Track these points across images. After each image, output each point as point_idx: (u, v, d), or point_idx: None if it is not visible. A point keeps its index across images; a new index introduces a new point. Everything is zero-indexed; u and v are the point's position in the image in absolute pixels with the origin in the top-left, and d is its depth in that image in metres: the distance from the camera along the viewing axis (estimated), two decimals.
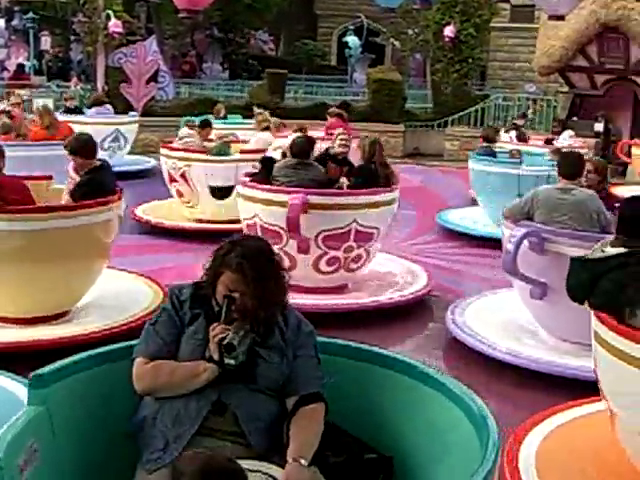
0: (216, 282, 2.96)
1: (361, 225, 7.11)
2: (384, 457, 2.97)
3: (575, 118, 20.64)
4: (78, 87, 22.19)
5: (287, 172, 7.38)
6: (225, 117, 16.41)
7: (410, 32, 28.16)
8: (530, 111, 21.73)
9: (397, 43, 31.02)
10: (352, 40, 31.79)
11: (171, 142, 11.29)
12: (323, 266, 7.23)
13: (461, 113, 22.78)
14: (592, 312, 3.84)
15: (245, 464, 2.55)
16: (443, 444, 2.77)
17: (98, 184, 6.32)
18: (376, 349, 3.16)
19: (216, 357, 2.85)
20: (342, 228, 7.05)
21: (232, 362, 2.82)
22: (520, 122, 18.14)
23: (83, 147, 6.53)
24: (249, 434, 2.83)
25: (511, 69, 28.98)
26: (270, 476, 2.66)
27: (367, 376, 3.07)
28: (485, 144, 12.14)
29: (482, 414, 2.58)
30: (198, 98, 22.77)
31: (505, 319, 6.58)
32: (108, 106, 16.50)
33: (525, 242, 5.94)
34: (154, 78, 19.94)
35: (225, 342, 2.81)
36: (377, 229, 7.32)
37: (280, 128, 12.27)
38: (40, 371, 2.80)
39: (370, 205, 7.19)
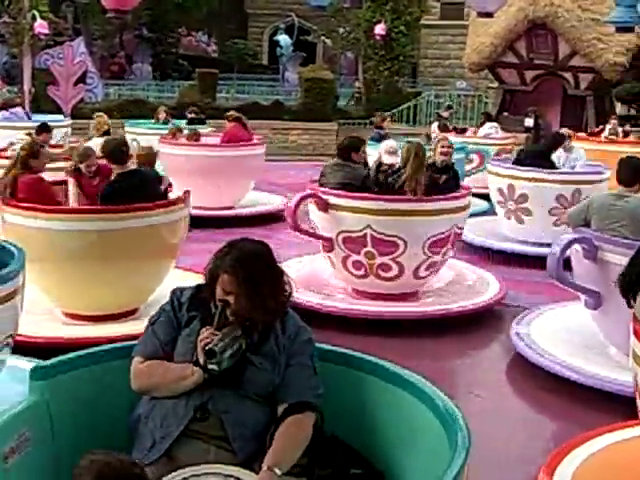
0: (214, 285, 2.92)
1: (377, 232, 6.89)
2: (373, 472, 2.86)
3: (506, 113, 20.86)
4: (4, 90, 21.67)
5: (326, 171, 7.42)
6: (167, 121, 15.23)
7: (341, 30, 28.15)
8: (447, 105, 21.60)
9: (328, 41, 31.00)
10: (283, 39, 31.71)
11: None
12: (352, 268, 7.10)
13: (393, 110, 22.84)
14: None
15: (221, 469, 2.60)
16: (414, 445, 2.76)
17: (118, 190, 6.34)
18: (350, 352, 3.06)
19: (201, 361, 2.82)
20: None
21: (215, 367, 2.78)
22: (445, 114, 18.39)
23: (110, 152, 6.70)
24: (233, 440, 2.78)
25: (442, 66, 29.23)
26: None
27: (344, 380, 3.02)
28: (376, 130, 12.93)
29: (453, 416, 2.53)
30: (128, 99, 22.47)
31: (572, 333, 6.21)
32: (18, 109, 15.81)
33: (578, 248, 5.75)
34: (82, 80, 19.61)
35: (207, 347, 2.78)
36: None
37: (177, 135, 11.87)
38: (41, 363, 2.88)
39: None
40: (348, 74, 31.07)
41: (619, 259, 5.27)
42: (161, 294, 6.15)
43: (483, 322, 6.90)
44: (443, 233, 6.95)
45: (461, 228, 7.36)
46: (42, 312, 6.18)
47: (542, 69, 20.38)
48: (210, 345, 2.77)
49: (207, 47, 36.48)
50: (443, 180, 7.60)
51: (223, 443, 2.78)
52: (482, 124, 17.52)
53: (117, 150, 6.64)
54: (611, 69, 19.15)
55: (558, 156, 10.50)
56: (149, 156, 7.84)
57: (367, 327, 6.41)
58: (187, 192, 6.68)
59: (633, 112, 24.17)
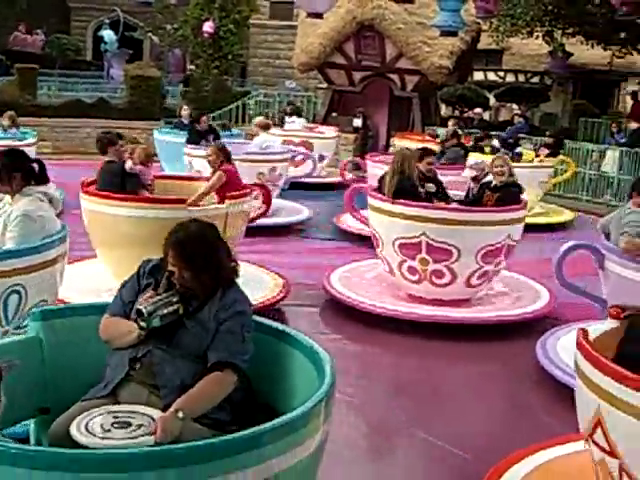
0: (166, 258, 3.43)
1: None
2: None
3: (335, 114, 21.01)
4: None
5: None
6: (17, 126, 13.78)
7: (168, 27, 27.65)
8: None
9: (155, 38, 30.39)
10: (108, 34, 30.71)
11: None
12: (406, 273, 7.56)
13: (222, 110, 22.58)
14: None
15: (141, 409, 3.13)
16: (295, 386, 3.29)
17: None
18: (271, 323, 3.59)
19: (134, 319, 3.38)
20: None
21: (143, 325, 3.31)
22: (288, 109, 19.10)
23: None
24: (161, 388, 3.26)
25: (271, 66, 29.23)
26: (151, 418, 3.03)
27: (268, 347, 3.48)
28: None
29: (324, 360, 3.10)
30: None
31: None
32: None
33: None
34: None
35: (137, 308, 3.34)
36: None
37: None
38: (40, 309, 3.59)
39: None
40: (176, 72, 30.53)
41: (619, 270, 5.60)
42: None
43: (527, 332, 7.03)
44: (496, 244, 7.37)
45: (515, 240, 7.65)
46: (107, 290, 6.31)
47: (370, 70, 20.64)
48: (139, 306, 3.33)
49: (33, 42, 34.96)
50: (496, 198, 7.88)
51: (154, 390, 3.28)
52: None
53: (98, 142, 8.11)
54: (436, 72, 19.61)
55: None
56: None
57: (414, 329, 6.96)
58: (247, 189, 7.73)
59: (457, 113, 24.95)
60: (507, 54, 29.07)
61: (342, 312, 7.44)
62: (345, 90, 21.18)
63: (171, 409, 3.02)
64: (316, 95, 23.10)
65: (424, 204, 7.51)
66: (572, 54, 25.50)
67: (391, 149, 17.19)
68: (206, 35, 23.32)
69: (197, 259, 3.35)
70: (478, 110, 22.12)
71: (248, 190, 7.85)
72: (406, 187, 7.57)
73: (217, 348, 3.25)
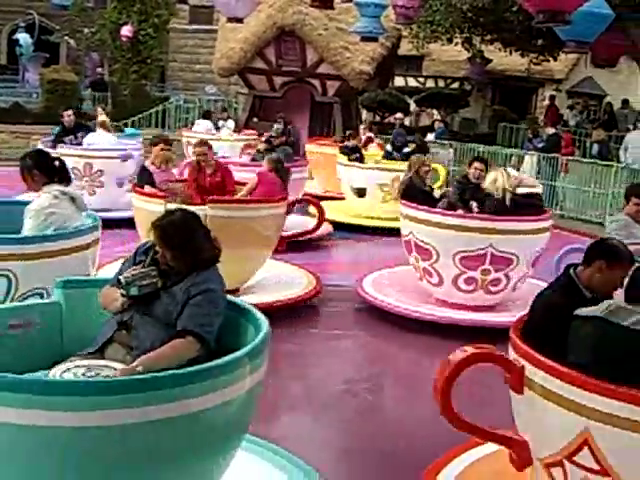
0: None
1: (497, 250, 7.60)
2: None
3: (255, 119, 20.88)
4: None
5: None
6: None
7: (86, 30, 27.13)
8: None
9: (72, 42, 29.79)
10: (23, 38, 30.00)
11: None
12: (462, 284, 7.77)
13: (141, 115, 22.24)
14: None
15: (113, 364, 3.66)
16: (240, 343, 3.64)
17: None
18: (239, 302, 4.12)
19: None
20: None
21: (124, 292, 3.87)
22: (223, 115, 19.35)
23: None
24: (134, 349, 3.75)
25: (191, 70, 28.88)
26: (114, 369, 3.57)
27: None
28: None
29: (259, 322, 3.72)
30: None
31: None
32: None
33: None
34: None
35: (118, 278, 3.93)
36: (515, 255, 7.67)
37: None
38: (63, 279, 4.10)
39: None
40: (93, 76, 30.00)
41: None
42: (260, 277, 8.12)
43: None
44: (539, 250, 7.88)
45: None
46: None
47: (291, 76, 20.58)
48: (120, 276, 3.91)
49: None
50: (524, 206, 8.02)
51: (131, 350, 3.78)
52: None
53: None
54: (357, 77, 19.65)
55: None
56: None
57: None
58: (285, 194, 8.42)
59: (378, 119, 25.07)
60: (427, 60, 29.32)
61: (374, 313, 7.87)
62: (266, 95, 21.08)
63: (133, 364, 3.52)
64: (237, 100, 22.93)
65: (490, 217, 7.79)
66: (491, 60, 25.84)
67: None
68: (124, 39, 22.94)
69: (176, 242, 3.90)
70: (399, 115, 22.22)
71: (282, 197, 8.35)
72: (413, 188, 8.24)
73: (184, 318, 3.72)
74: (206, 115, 18.84)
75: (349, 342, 7.46)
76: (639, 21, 19.09)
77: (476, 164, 8.56)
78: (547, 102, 26.96)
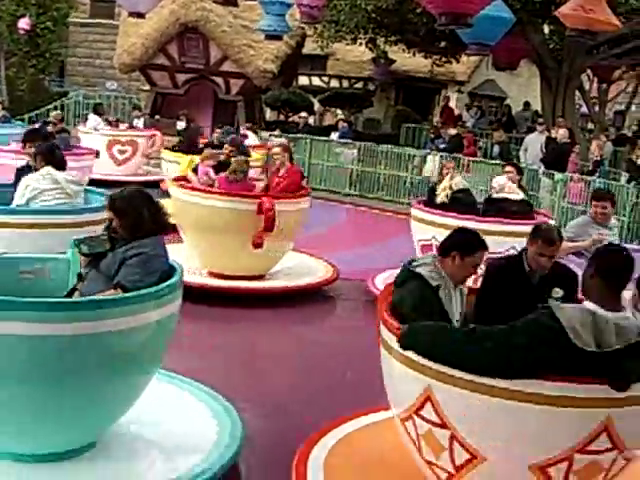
0: None
1: None
2: None
3: (158, 116, 20.54)
4: None
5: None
6: None
7: None
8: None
9: None
10: None
11: None
12: None
13: (38, 110, 21.64)
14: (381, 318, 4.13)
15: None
16: None
17: None
18: None
19: None
20: None
21: (77, 250, 4.67)
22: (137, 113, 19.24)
23: None
24: (84, 296, 4.48)
25: (92, 65, 28.28)
26: None
27: None
28: None
29: (177, 272, 4.70)
30: None
31: None
32: None
33: None
34: None
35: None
36: None
37: None
38: (74, 238, 4.77)
39: None
40: None
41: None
42: (282, 265, 9.02)
43: None
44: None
45: None
46: (190, 270, 8.09)
47: (194, 73, 20.32)
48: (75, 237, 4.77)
49: None
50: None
51: (83, 297, 4.53)
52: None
53: None
54: (261, 75, 19.53)
55: None
56: None
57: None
58: (305, 188, 9.24)
59: (282, 118, 24.98)
60: (332, 59, 29.36)
61: None
62: (168, 92, 20.75)
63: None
64: (138, 97, 22.52)
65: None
66: (394, 61, 26.04)
67: None
68: (22, 32, 22.31)
69: (121, 213, 4.58)
70: (303, 114, 22.18)
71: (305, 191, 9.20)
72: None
73: (119, 275, 4.42)
74: (96, 110, 18.51)
75: (353, 330, 7.71)
76: (539, 25, 19.49)
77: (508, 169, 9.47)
78: (442, 103, 27.39)
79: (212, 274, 8.64)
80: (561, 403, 3.53)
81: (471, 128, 21.59)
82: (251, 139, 15.90)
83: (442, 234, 7.42)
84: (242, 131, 16.87)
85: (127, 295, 4.20)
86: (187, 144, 14.01)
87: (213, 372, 5.92)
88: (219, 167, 9.90)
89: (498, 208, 8.44)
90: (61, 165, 7.02)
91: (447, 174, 9.28)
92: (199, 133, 16.07)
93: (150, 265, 4.47)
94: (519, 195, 8.90)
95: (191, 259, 8.55)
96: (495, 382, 3.55)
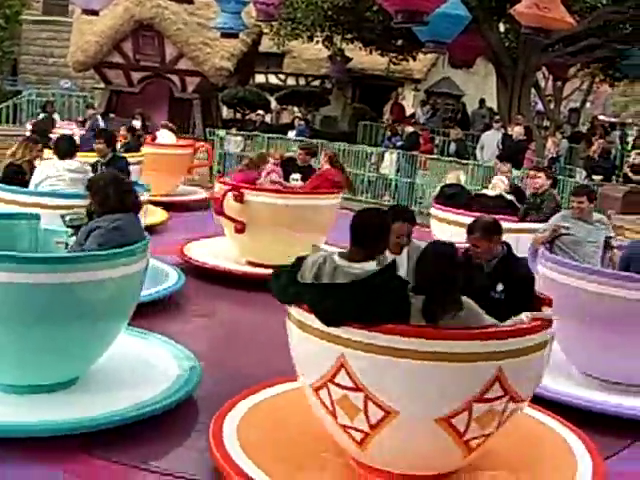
0: None
1: None
2: None
3: (112, 115, 20.31)
4: None
5: None
6: None
7: None
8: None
9: None
10: None
11: None
12: None
13: None
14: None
15: None
16: None
17: None
18: None
19: None
20: None
21: (62, 223, 5.76)
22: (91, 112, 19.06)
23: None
24: None
25: (45, 64, 27.88)
26: None
27: None
28: None
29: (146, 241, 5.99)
30: None
31: None
32: None
33: None
34: None
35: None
36: None
37: None
38: (65, 213, 5.89)
39: None
40: None
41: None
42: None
43: None
44: None
45: None
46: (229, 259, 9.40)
47: (149, 71, 20.12)
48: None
49: None
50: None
51: None
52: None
53: None
54: (217, 73, 19.39)
55: None
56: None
57: None
58: (338, 185, 9.87)
59: (239, 116, 24.83)
60: (288, 57, 29.28)
61: None
62: (123, 90, 20.52)
63: None
64: (93, 96, 22.25)
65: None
66: (351, 59, 26.02)
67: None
68: None
69: (93, 192, 5.57)
70: (260, 112, 22.08)
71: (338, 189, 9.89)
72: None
73: (87, 242, 5.30)
74: (45, 108, 18.33)
75: None
76: (495, 23, 19.59)
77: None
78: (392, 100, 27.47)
79: (249, 262, 9.44)
80: (455, 359, 4.00)
81: (422, 125, 21.62)
82: (166, 137, 15.74)
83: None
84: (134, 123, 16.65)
85: (81, 255, 5.19)
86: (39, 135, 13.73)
87: (200, 339, 7.14)
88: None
89: (478, 203, 8.94)
90: (65, 155, 8.01)
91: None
92: (51, 124, 15.89)
93: (105, 237, 5.29)
94: (496, 191, 9.33)
95: (232, 250, 9.63)
96: (399, 344, 3.96)
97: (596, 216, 7.37)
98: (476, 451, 4.30)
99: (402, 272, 4.74)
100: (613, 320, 5.99)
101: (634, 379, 6.20)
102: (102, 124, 18.05)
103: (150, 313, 6.87)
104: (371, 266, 4.21)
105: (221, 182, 9.70)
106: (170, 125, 16.60)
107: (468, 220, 7.96)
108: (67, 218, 5.69)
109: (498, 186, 9.59)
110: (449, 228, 8.66)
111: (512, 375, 4.09)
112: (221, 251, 9.57)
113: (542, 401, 5.42)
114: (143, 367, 5.70)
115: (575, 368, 6.47)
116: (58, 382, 5.24)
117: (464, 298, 4.19)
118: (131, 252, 5.24)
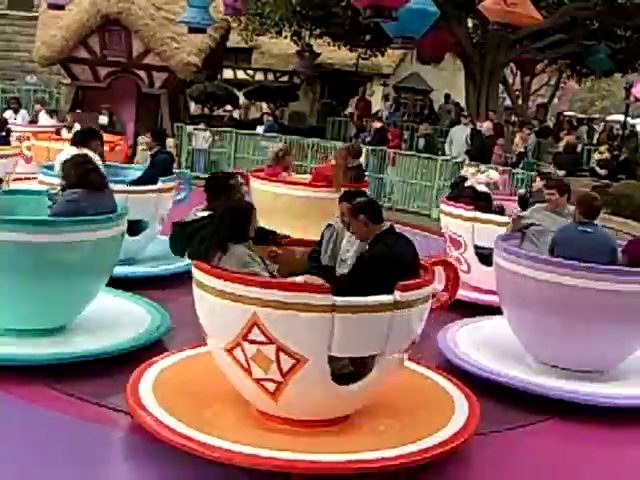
0: None
1: None
2: None
3: (79, 110, 20.10)
4: None
5: None
6: None
7: None
8: None
9: None
10: None
11: None
12: None
13: None
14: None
15: None
16: None
17: None
18: None
19: None
20: None
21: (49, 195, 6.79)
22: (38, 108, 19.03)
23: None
24: None
25: (10, 59, 27.54)
26: None
27: None
28: None
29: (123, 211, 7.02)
30: None
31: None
32: None
33: None
34: None
35: None
36: None
37: None
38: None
39: None
40: None
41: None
42: None
43: None
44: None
45: None
46: None
47: (116, 66, 19.91)
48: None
49: None
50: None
51: None
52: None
53: None
54: (185, 69, 19.23)
55: None
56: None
57: None
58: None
59: (207, 111, 24.71)
60: (256, 53, 29.19)
61: None
62: (90, 86, 20.30)
63: None
64: (59, 91, 22.02)
65: None
66: (319, 54, 25.96)
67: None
68: None
69: (62, 172, 6.67)
70: (228, 108, 22.00)
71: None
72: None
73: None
74: (10, 104, 18.21)
75: None
76: (463, 19, 19.63)
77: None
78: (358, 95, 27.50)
79: None
80: (221, 296, 4.71)
81: (384, 120, 21.64)
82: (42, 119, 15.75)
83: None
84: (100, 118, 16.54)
85: (62, 220, 6.23)
86: None
87: None
88: None
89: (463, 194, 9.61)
90: (78, 144, 8.48)
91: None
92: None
93: (60, 207, 6.37)
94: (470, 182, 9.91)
95: None
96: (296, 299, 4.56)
97: (571, 209, 7.42)
98: (283, 395, 4.77)
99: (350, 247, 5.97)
100: (553, 306, 6.26)
101: (579, 365, 6.46)
102: (45, 121, 17.90)
103: (167, 285, 8.14)
104: (203, 213, 5.74)
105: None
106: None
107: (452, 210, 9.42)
108: (48, 192, 6.78)
109: (478, 179, 9.94)
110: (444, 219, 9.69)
111: (269, 323, 4.58)
112: None
113: (498, 387, 6.03)
114: (122, 317, 6.82)
115: (530, 355, 6.76)
116: (47, 328, 6.33)
117: (241, 248, 5.09)
118: (106, 220, 6.39)
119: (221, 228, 5.14)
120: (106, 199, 6.57)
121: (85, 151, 8.11)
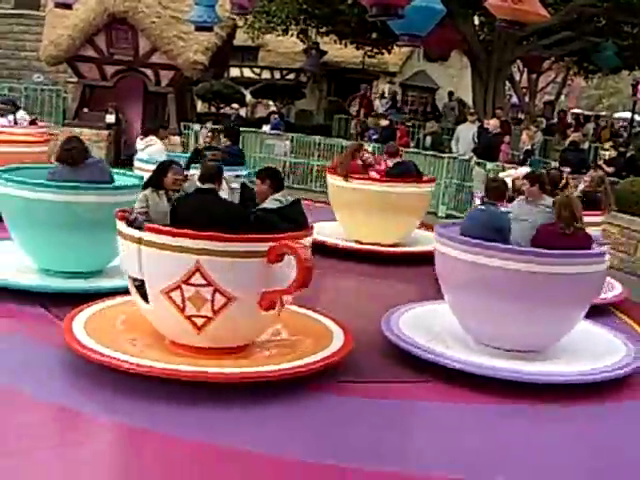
0: None
1: None
2: None
3: (86, 109, 20.14)
4: None
5: None
6: None
7: None
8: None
9: None
10: None
11: None
12: None
13: None
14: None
15: None
16: None
17: None
18: None
19: None
20: None
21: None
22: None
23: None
24: None
25: (17, 58, 27.57)
26: None
27: None
28: None
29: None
30: None
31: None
32: None
33: None
34: None
35: None
36: None
37: None
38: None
39: None
40: None
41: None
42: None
43: None
44: None
45: None
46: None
47: (122, 65, 19.94)
48: None
49: None
50: None
51: None
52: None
53: None
54: (191, 67, 19.25)
55: None
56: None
57: None
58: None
59: (214, 110, 24.73)
60: (263, 51, 29.20)
61: None
62: (97, 85, 20.33)
63: None
64: (66, 90, 22.05)
65: None
66: (326, 52, 25.98)
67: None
68: None
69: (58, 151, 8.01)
70: (235, 106, 22.01)
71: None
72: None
73: None
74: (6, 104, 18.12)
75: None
76: (469, 16, 19.60)
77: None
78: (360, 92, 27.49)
79: (358, 242, 11.30)
80: (165, 248, 5.69)
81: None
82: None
83: None
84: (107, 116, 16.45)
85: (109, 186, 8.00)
86: None
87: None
88: None
89: None
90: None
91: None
92: None
93: (48, 177, 7.74)
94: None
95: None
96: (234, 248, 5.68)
97: (547, 200, 7.75)
98: (208, 327, 5.83)
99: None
100: (477, 287, 6.61)
101: (515, 345, 6.81)
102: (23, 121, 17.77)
103: None
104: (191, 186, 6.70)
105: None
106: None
107: None
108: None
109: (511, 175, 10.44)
110: None
111: (211, 269, 5.61)
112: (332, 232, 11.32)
113: (442, 368, 6.36)
114: None
115: (471, 337, 7.06)
116: (82, 271, 8.00)
117: (147, 192, 6.77)
118: (121, 188, 8.09)
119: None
120: (84, 174, 7.78)
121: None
